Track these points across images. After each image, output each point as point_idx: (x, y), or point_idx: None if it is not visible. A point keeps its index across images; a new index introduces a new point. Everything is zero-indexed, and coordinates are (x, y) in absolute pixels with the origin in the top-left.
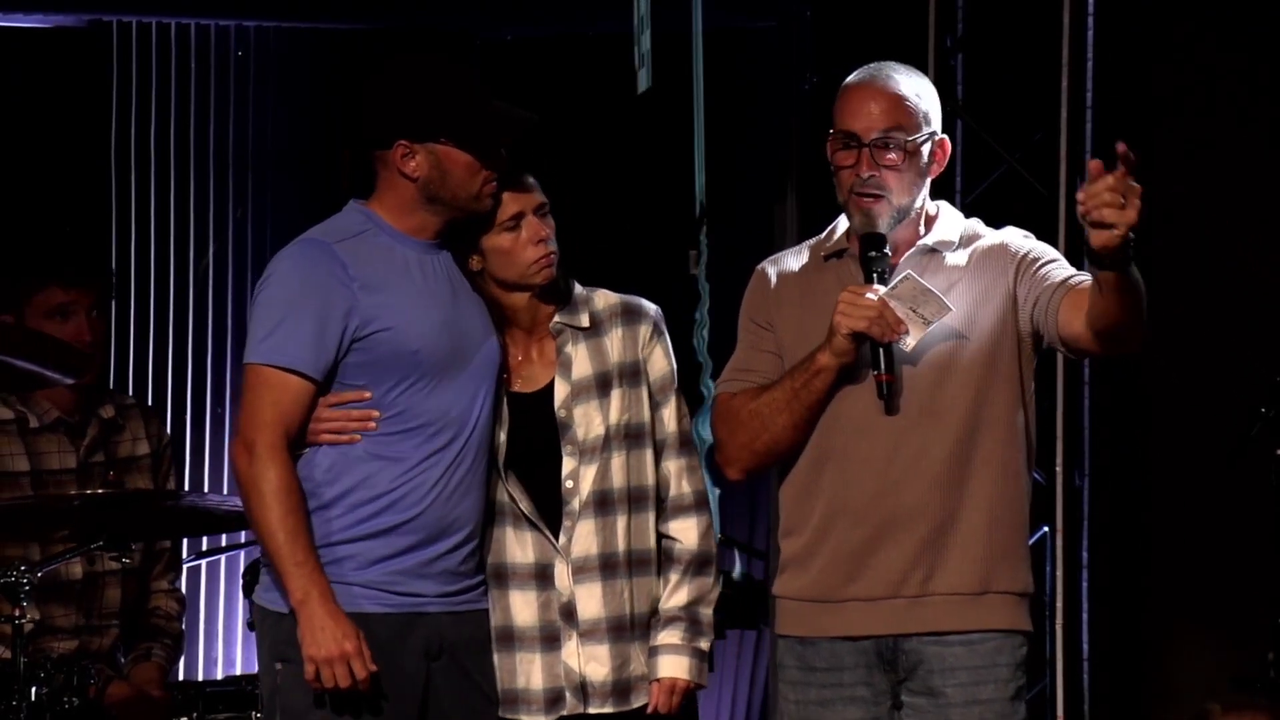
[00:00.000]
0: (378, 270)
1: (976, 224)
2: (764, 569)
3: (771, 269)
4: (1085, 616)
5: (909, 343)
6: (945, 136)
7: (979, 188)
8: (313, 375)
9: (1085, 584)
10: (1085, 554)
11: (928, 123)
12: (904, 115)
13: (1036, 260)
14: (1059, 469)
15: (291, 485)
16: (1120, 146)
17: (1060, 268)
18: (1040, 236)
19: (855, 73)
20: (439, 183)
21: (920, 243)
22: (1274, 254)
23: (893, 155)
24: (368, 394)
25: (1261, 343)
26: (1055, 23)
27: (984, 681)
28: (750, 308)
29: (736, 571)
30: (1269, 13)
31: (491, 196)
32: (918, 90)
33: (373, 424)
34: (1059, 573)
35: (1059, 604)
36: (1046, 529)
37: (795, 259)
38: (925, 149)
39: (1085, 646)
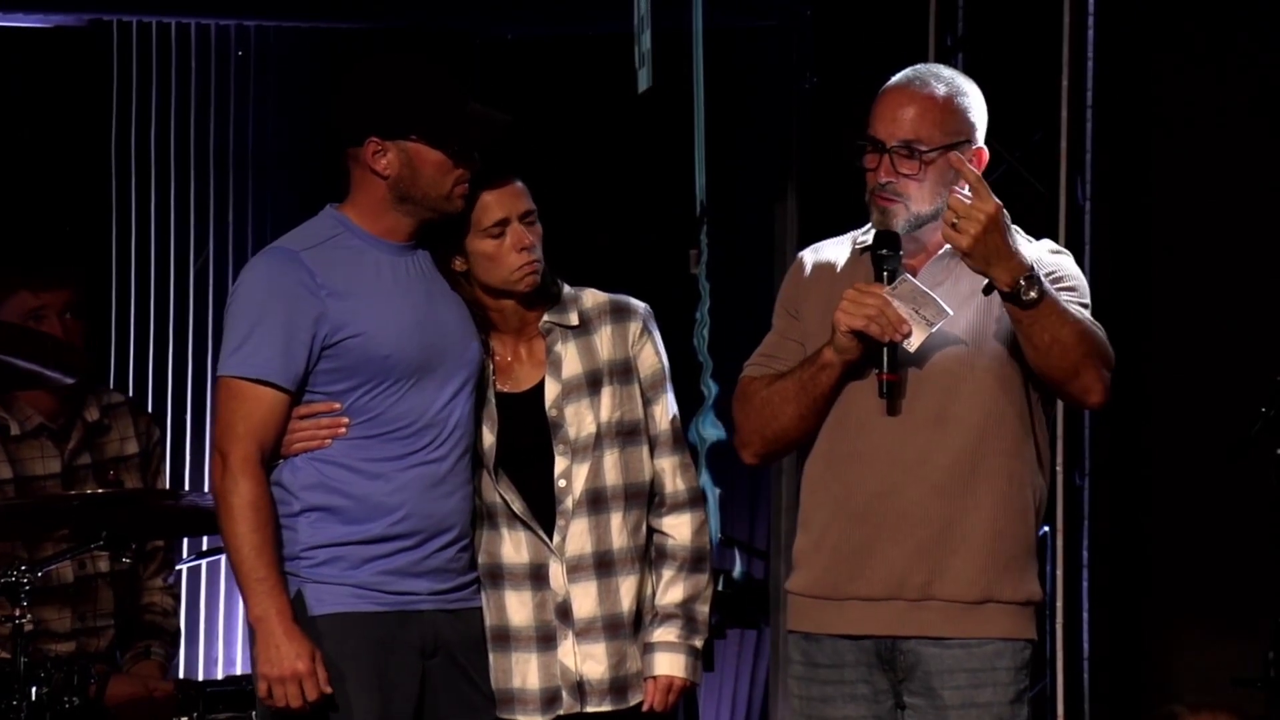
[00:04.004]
0: (347, 276)
1: (1014, 233)
2: (764, 568)
3: (810, 257)
4: (1085, 616)
5: (912, 343)
6: (983, 147)
7: None
8: (284, 385)
9: (1085, 584)
10: (1085, 554)
11: (961, 133)
12: (931, 125)
13: (1055, 285)
14: (1059, 469)
15: (260, 501)
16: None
17: (1075, 297)
18: (1038, 236)
19: (899, 73)
20: (409, 181)
21: (947, 247)
22: (1275, 253)
23: (912, 164)
24: (337, 404)
25: (1262, 342)
26: (1056, 22)
27: (983, 685)
28: (783, 295)
29: (737, 571)
30: (1271, 12)
31: (463, 198)
32: (955, 98)
33: (343, 429)
34: (1059, 573)
35: (1059, 604)
36: (1047, 529)
37: (835, 249)
38: (950, 159)
39: (1085, 646)
